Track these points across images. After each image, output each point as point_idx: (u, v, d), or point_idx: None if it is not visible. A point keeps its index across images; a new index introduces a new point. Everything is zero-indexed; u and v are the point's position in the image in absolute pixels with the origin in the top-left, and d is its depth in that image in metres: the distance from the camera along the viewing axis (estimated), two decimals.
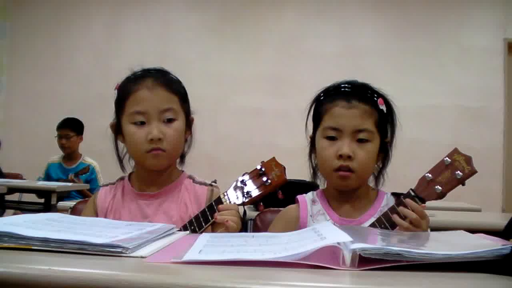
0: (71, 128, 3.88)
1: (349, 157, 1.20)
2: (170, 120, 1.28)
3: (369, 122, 1.23)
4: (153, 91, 1.27)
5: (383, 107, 1.26)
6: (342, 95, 1.26)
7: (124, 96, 1.30)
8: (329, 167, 1.23)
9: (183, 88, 1.38)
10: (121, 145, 1.37)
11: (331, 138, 1.23)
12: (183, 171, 1.41)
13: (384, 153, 1.30)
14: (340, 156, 1.20)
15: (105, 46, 5.28)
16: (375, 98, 1.26)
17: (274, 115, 4.92)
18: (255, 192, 1.19)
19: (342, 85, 1.29)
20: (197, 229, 1.17)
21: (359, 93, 1.26)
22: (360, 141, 1.22)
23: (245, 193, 1.19)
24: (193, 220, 1.20)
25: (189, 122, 1.37)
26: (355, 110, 1.23)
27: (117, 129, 1.34)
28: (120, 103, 1.31)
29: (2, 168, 4.15)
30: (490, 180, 4.46)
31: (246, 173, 1.22)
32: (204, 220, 1.18)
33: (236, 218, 1.16)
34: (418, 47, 4.83)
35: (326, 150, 1.23)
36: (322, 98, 1.30)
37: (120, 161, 1.38)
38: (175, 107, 1.30)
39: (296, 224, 1.29)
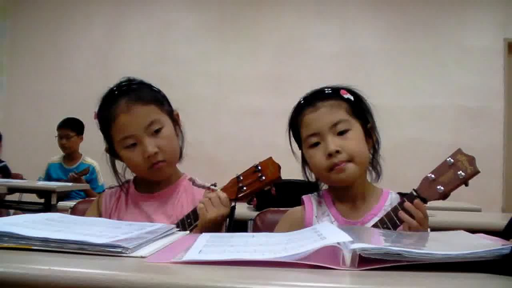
0: (71, 128, 3.88)
1: (337, 152, 1.21)
2: (158, 131, 1.29)
3: (340, 113, 1.25)
4: (130, 113, 1.27)
5: (348, 96, 1.28)
6: (305, 104, 1.29)
7: (106, 126, 1.32)
8: (323, 170, 1.23)
9: (157, 91, 1.37)
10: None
11: (315, 145, 1.25)
12: (183, 173, 1.43)
13: (371, 139, 1.31)
14: (330, 155, 1.21)
15: (105, 46, 5.28)
16: (337, 92, 1.29)
17: (274, 115, 4.90)
18: (248, 187, 1.22)
19: (303, 97, 1.32)
20: (187, 227, 1.20)
21: (319, 94, 1.29)
22: (341, 133, 1.23)
23: (239, 188, 1.22)
24: (184, 218, 1.23)
25: (174, 119, 1.37)
26: (322, 108, 1.25)
27: (112, 152, 1.36)
28: (106, 132, 1.33)
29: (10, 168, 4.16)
30: (490, 180, 4.46)
31: (244, 171, 1.25)
32: (193, 218, 1.22)
33: (209, 203, 1.19)
34: (418, 47, 4.83)
35: (315, 157, 1.25)
36: (294, 116, 1.32)
37: (120, 180, 1.39)
38: (157, 116, 1.30)
39: (302, 226, 1.28)
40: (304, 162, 1.33)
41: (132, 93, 1.30)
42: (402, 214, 1.12)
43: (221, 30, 5.14)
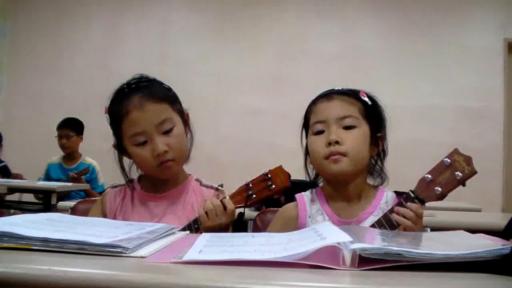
0: (71, 128, 3.88)
1: (337, 142, 1.22)
2: (169, 129, 1.29)
3: (352, 109, 1.27)
4: (143, 109, 1.27)
5: (365, 99, 1.29)
6: (322, 95, 1.32)
7: (117, 121, 1.30)
8: (320, 157, 1.24)
9: (169, 89, 1.37)
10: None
11: (319, 133, 1.26)
12: (190, 174, 1.43)
13: (378, 148, 1.31)
14: (329, 144, 1.22)
15: (105, 46, 5.28)
16: (355, 92, 1.30)
17: (274, 115, 4.92)
18: (258, 194, 1.22)
19: (324, 91, 1.34)
20: (194, 232, 1.20)
21: (339, 90, 1.31)
22: (347, 128, 1.24)
23: (248, 195, 1.22)
24: (192, 223, 1.23)
25: (185, 119, 1.37)
26: (337, 101, 1.28)
27: (120, 148, 1.35)
28: (116, 127, 1.32)
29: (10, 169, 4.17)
30: (490, 180, 4.46)
31: (253, 179, 1.25)
32: (200, 223, 1.21)
33: (213, 212, 1.19)
34: (418, 47, 4.83)
35: (316, 144, 1.26)
36: (308, 108, 1.34)
37: (126, 176, 1.39)
38: (169, 115, 1.30)
39: (295, 224, 1.29)
40: (307, 152, 1.33)
41: (145, 89, 1.30)
42: (394, 215, 1.13)
43: (221, 30, 5.14)
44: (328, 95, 1.30)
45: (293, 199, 1.35)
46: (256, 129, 4.96)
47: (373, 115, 1.30)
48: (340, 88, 1.33)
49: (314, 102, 1.32)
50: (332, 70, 4.75)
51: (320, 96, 1.32)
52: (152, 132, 1.26)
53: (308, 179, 1.37)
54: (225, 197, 1.23)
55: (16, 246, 0.75)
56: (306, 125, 1.34)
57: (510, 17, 4.76)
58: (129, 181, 1.39)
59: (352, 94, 1.29)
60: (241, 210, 1.24)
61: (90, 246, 0.75)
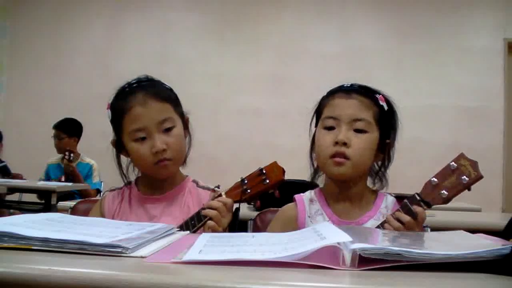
0: (63, 129, 3.91)
1: (344, 144, 1.21)
2: (169, 129, 1.30)
3: (367, 113, 1.24)
4: (146, 106, 1.29)
5: (383, 104, 1.27)
6: (341, 88, 1.30)
7: (119, 115, 1.31)
8: (325, 154, 1.24)
9: (173, 92, 1.39)
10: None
11: (330, 128, 1.25)
12: (187, 176, 1.44)
13: (384, 155, 1.30)
14: (336, 143, 1.22)
15: (105, 46, 5.28)
16: (376, 95, 1.28)
17: (274, 115, 4.92)
18: (253, 189, 1.23)
19: (344, 84, 1.32)
20: (190, 229, 1.20)
21: (359, 88, 1.29)
22: (358, 131, 1.23)
23: (244, 190, 1.23)
24: (188, 220, 1.23)
25: (185, 123, 1.39)
26: (353, 100, 1.25)
27: (119, 146, 1.37)
28: (117, 123, 1.33)
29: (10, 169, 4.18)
30: (490, 180, 4.45)
31: (248, 174, 1.25)
32: (197, 220, 1.22)
33: (218, 217, 1.19)
34: (418, 47, 4.84)
35: (323, 139, 1.25)
36: (324, 97, 1.33)
37: (124, 175, 1.40)
38: (171, 115, 1.32)
39: (294, 224, 1.29)
40: (313, 141, 1.32)
41: (150, 88, 1.32)
42: (389, 217, 1.13)
43: (221, 30, 5.14)
44: (347, 92, 1.27)
45: (289, 195, 1.35)
46: (256, 129, 4.96)
47: (387, 121, 1.28)
48: (361, 85, 1.30)
49: (332, 94, 1.30)
50: (332, 70, 4.75)
51: (339, 90, 1.29)
52: (152, 129, 1.28)
53: (311, 170, 1.36)
54: (220, 195, 1.24)
55: (16, 246, 0.75)
56: (318, 113, 1.33)
57: (510, 17, 4.76)
58: (127, 183, 1.41)
59: (371, 96, 1.27)
60: (237, 205, 1.25)
61: (90, 246, 0.75)
